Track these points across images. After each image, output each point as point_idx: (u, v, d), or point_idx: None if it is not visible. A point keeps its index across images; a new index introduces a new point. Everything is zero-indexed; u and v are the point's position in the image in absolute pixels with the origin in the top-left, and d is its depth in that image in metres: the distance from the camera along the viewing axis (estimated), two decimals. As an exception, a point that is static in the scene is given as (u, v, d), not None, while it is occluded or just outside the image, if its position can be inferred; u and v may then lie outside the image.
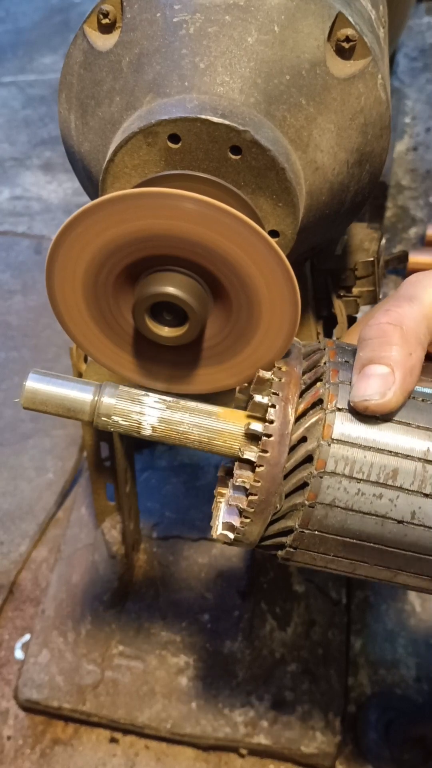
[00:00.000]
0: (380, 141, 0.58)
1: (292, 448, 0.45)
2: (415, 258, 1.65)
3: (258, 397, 0.46)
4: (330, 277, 0.81)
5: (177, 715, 1.07)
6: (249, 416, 0.48)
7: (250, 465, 0.46)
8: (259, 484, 0.45)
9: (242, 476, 0.46)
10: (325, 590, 1.17)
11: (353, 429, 0.45)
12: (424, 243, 1.77)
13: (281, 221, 0.53)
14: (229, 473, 0.50)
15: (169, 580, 1.15)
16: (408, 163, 1.99)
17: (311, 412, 0.46)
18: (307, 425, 0.45)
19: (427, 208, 1.88)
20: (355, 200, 0.61)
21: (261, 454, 0.45)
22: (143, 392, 0.48)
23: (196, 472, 1.29)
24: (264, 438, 0.45)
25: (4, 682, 1.18)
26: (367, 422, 0.46)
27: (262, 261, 0.44)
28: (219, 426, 0.48)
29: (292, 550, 0.48)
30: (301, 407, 0.46)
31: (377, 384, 0.45)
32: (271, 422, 0.45)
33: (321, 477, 0.45)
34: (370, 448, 0.45)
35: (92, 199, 0.61)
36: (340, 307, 0.80)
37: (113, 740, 1.11)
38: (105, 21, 0.54)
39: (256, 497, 0.45)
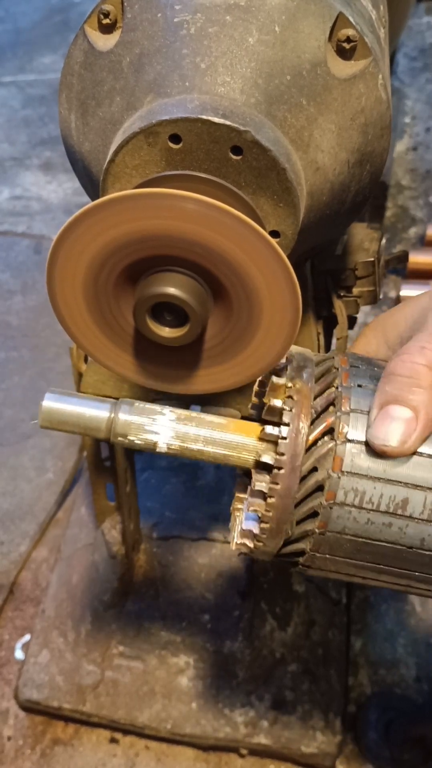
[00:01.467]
0: (381, 141, 0.58)
1: (303, 478, 0.46)
2: (415, 258, 1.65)
3: (274, 401, 0.46)
4: (330, 277, 0.81)
5: (177, 715, 1.07)
6: (264, 422, 0.47)
7: (268, 469, 0.46)
8: (270, 514, 0.46)
9: (260, 480, 0.46)
10: (325, 590, 1.17)
11: (363, 461, 0.45)
12: (424, 243, 1.77)
13: (282, 221, 0.53)
14: (246, 487, 0.51)
15: (169, 580, 1.15)
16: (408, 163, 1.99)
17: (322, 441, 0.46)
18: (317, 456, 0.45)
19: (427, 208, 1.88)
20: (356, 200, 0.61)
21: (272, 485, 0.45)
22: (159, 409, 0.48)
23: (196, 472, 1.29)
24: (275, 471, 0.45)
25: (4, 682, 1.18)
26: (376, 454, 0.45)
27: (262, 261, 0.44)
28: (235, 440, 0.48)
29: (305, 567, 0.49)
30: (312, 437, 0.46)
31: (399, 429, 0.44)
32: (282, 454, 0.45)
33: (331, 508, 0.46)
34: (380, 479, 0.45)
35: (92, 199, 0.61)
36: (340, 307, 0.80)
37: (113, 740, 1.11)
38: (105, 21, 0.54)
39: (267, 525, 0.46)
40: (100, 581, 1.15)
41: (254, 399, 0.51)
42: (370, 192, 0.62)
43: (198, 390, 0.51)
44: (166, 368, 0.50)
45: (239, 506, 0.50)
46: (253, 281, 0.45)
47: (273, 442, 0.46)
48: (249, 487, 0.48)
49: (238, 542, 0.48)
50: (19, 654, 1.20)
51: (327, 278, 0.81)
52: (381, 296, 0.81)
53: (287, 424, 0.45)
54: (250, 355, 0.49)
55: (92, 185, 0.60)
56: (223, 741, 1.06)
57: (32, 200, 2.04)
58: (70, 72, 0.57)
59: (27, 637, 1.21)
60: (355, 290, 0.81)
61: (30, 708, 1.12)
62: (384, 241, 0.87)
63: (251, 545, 0.48)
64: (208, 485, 1.27)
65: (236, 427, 0.48)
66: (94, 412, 0.47)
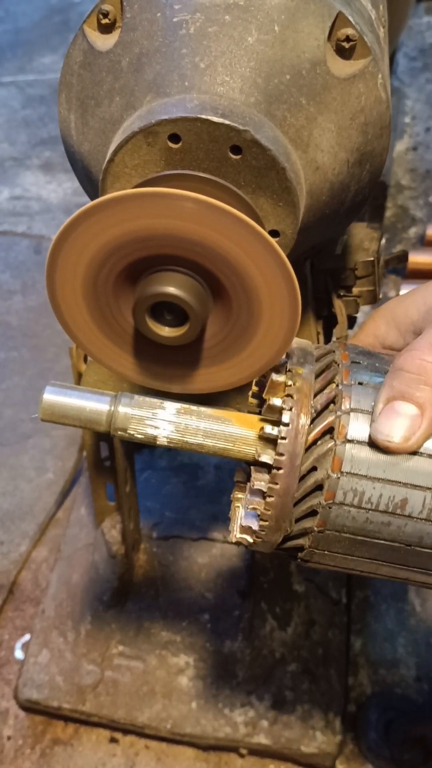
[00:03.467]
0: (380, 140, 0.58)
1: (302, 477, 0.45)
2: (415, 258, 1.65)
3: (273, 401, 0.46)
4: (330, 277, 0.81)
5: (177, 715, 1.07)
6: (263, 419, 0.47)
7: (267, 467, 0.46)
8: (269, 513, 0.46)
9: (259, 478, 0.46)
10: (325, 590, 1.17)
11: (363, 461, 0.45)
12: (424, 243, 1.77)
13: (281, 221, 0.53)
14: (246, 475, 0.51)
15: (169, 580, 1.15)
16: (408, 162, 1.99)
17: (321, 441, 0.46)
18: (316, 455, 0.45)
19: (427, 207, 1.88)
20: (356, 200, 0.61)
21: (271, 485, 0.45)
22: (159, 401, 0.48)
23: (196, 472, 1.29)
24: (274, 470, 0.45)
25: (4, 682, 1.18)
26: (377, 453, 0.45)
27: (262, 261, 0.44)
28: (235, 432, 0.48)
29: (304, 562, 0.50)
30: (311, 437, 0.45)
31: (403, 425, 0.44)
32: (281, 455, 0.45)
33: (330, 507, 0.46)
34: (379, 479, 0.45)
35: (92, 199, 0.61)
36: (340, 307, 0.80)
37: (113, 740, 1.11)
38: (105, 21, 0.54)
39: (266, 523, 0.46)
40: (100, 581, 1.15)
41: (254, 387, 0.51)
42: (370, 192, 0.62)
43: (198, 389, 0.51)
44: (165, 368, 0.50)
45: (239, 495, 0.50)
46: (253, 281, 0.45)
47: (272, 441, 0.46)
48: (248, 484, 0.48)
49: (238, 536, 0.48)
50: (19, 654, 1.20)
51: (327, 278, 0.81)
52: (381, 296, 0.81)
53: (287, 424, 0.45)
54: (250, 354, 0.49)
55: (92, 185, 0.60)
56: (223, 741, 1.06)
57: (32, 200, 2.04)
58: (70, 72, 0.57)
59: (27, 637, 1.21)
60: (355, 290, 0.81)
61: (30, 708, 1.12)
62: (384, 241, 0.87)
63: (251, 540, 0.48)
64: (208, 485, 1.27)
65: (236, 420, 0.48)
66: (94, 405, 0.47)
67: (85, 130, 0.57)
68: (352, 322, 0.84)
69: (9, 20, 2.77)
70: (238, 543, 0.49)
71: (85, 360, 0.88)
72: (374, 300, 0.81)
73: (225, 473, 1.28)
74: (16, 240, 1.93)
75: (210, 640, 1.10)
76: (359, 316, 0.85)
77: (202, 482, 1.27)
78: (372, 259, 0.80)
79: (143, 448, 1.32)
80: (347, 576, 1.17)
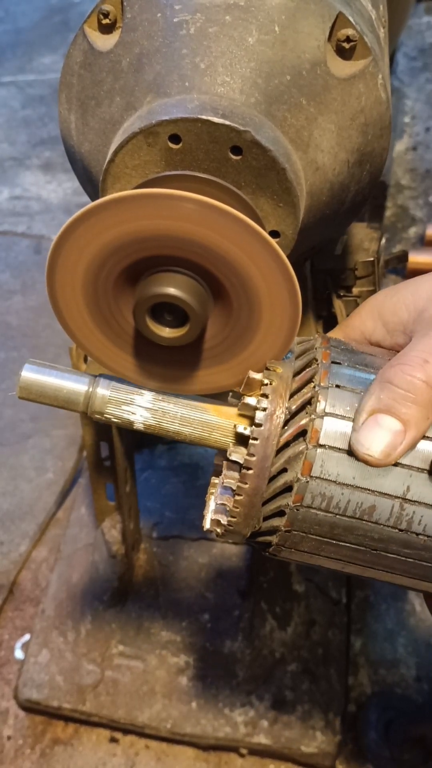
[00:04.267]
0: (380, 141, 0.58)
1: (272, 478, 0.45)
2: (415, 258, 1.65)
3: (248, 399, 0.46)
4: (330, 277, 0.81)
5: (177, 715, 1.07)
6: (239, 415, 0.48)
7: (245, 441, 0.46)
8: (237, 510, 0.46)
9: (229, 477, 0.47)
10: (325, 590, 1.17)
11: (333, 467, 0.45)
12: (424, 243, 1.77)
13: (282, 221, 0.53)
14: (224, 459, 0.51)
15: (169, 580, 1.15)
16: (407, 162, 1.99)
17: (294, 443, 0.45)
18: (287, 457, 0.45)
19: (427, 207, 1.88)
20: (356, 200, 0.61)
21: (240, 484, 0.45)
22: (137, 387, 0.48)
23: (196, 472, 1.29)
24: (243, 470, 0.45)
25: (4, 682, 1.18)
26: (349, 459, 0.45)
27: (262, 261, 0.44)
28: (211, 420, 0.48)
29: (272, 555, 0.50)
30: (283, 439, 0.45)
31: (384, 440, 0.44)
32: (252, 455, 0.45)
33: (297, 510, 0.46)
34: (348, 485, 0.45)
35: (92, 199, 0.61)
36: (340, 307, 0.80)
37: (113, 740, 1.11)
38: (105, 21, 0.54)
39: (234, 519, 0.46)
40: (100, 581, 1.15)
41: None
42: (370, 192, 0.62)
43: (198, 390, 0.51)
44: (165, 368, 0.50)
45: (215, 481, 0.51)
46: (253, 281, 0.45)
47: (245, 439, 0.46)
48: (220, 478, 0.48)
49: (207, 527, 0.49)
50: (18, 654, 1.20)
51: (327, 278, 0.81)
52: (381, 296, 0.81)
53: (259, 425, 0.45)
54: (250, 355, 0.48)
55: (92, 185, 0.60)
56: (223, 741, 1.06)
57: (32, 200, 2.04)
58: (70, 72, 0.57)
59: (27, 637, 1.21)
60: (355, 290, 0.81)
61: (30, 708, 1.12)
62: (384, 240, 0.87)
63: (219, 531, 0.48)
64: (208, 485, 1.27)
65: (214, 411, 0.48)
66: (72, 385, 0.48)
67: (86, 130, 0.57)
68: (352, 322, 0.84)
69: (9, 20, 2.77)
70: (210, 532, 0.49)
71: (85, 360, 0.88)
72: (374, 300, 0.81)
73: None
74: (16, 240, 1.93)
75: (210, 640, 1.10)
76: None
77: (202, 482, 1.27)
78: (372, 259, 0.80)
79: (143, 448, 1.32)
80: (347, 576, 1.17)
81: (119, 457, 1.00)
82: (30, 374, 0.48)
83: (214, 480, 0.51)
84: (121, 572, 1.13)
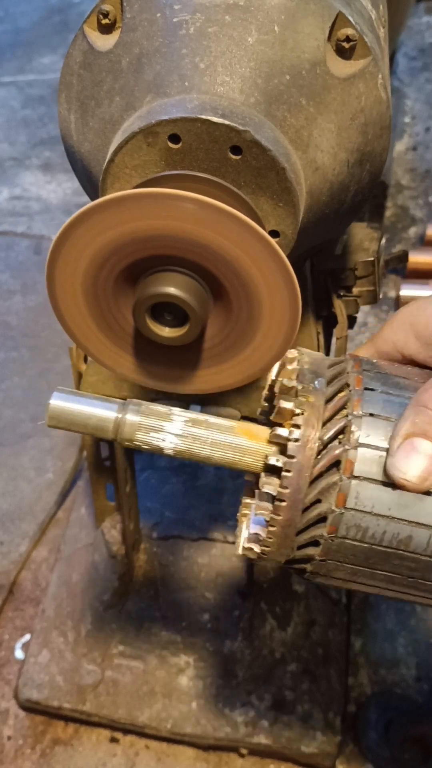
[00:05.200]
0: (380, 141, 0.58)
1: (306, 508, 0.45)
2: (415, 258, 1.65)
3: (279, 431, 0.45)
4: (330, 277, 0.81)
5: (177, 715, 1.07)
6: (271, 442, 0.46)
7: (277, 472, 0.45)
8: (271, 540, 0.45)
9: (262, 507, 0.46)
10: (325, 590, 1.17)
11: (368, 498, 0.44)
12: (424, 242, 1.77)
13: (281, 221, 0.53)
14: (255, 484, 0.50)
15: (169, 580, 1.15)
16: (407, 162, 1.99)
17: (327, 473, 0.45)
18: (321, 488, 0.45)
19: (427, 207, 1.88)
20: (355, 200, 0.61)
21: (273, 516, 0.45)
22: (167, 411, 0.47)
23: (196, 472, 1.29)
24: (276, 502, 0.45)
25: (4, 682, 1.18)
26: (384, 489, 0.44)
27: (262, 261, 0.44)
28: (242, 444, 0.47)
29: (307, 579, 0.50)
30: (316, 470, 0.44)
31: (422, 465, 0.43)
32: (285, 488, 0.44)
33: (332, 540, 0.45)
34: (384, 516, 0.44)
35: (92, 199, 0.61)
36: (340, 307, 0.80)
37: (113, 740, 1.11)
38: (105, 21, 0.54)
39: (268, 549, 0.46)
40: (100, 581, 1.15)
41: (263, 404, 0.50)
42: (370, 192, 0.62)
43: (198, 390, 0.51)
44: (166, 368, 0.50)
45: (245, 512, 0.50)
46: (253, 281, 0.45)
47: (277, 470, 0.45)
48: (253, 505, 0.47)
49: (240, 553, 0.48)
50: (19, 654, 1.20)
51: (327, 278, 0.81)
52: (381, 296, 0.81)
53: (292, 456, 0.44)
54: (250, 354, 0.49)
55: (92, 185, 0.60)
56: (223, 741, 1.06)
57: (32, 200, 2.04)
58: (70, 72, 0.57)
59: (27, 637, 1.21)
60: (355, 290, 0.81)
61: (30, 708, 1.12)
62: (384, 240, 0.87)
63: (254, 557, 0.48)
64: (208, 485, 1.27)
65: (245, 433, 0.47)
66: (102, 412, 0.46)
67: (85, 130, 0.57)
68: (352, 322, 0.84)
69: (8, 20, 2.77)
70: (243, 555, 0.49)
71: (85, 360, 0.87)
72: (374, 300, 0.81)
73: (225, 473, 1.28)
74: (16, 240, 1.93)
75: (210, 640, 1.10)
76: (359, 316, 0.85)
77: (202, 482, 1.27)
78: (372, 259, 0.80)
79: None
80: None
81: (119, 458, 1.00)
82: (59, 402, 0.46)
83: (246, 500, 0.50)
84: (121, 572, 1.13)
